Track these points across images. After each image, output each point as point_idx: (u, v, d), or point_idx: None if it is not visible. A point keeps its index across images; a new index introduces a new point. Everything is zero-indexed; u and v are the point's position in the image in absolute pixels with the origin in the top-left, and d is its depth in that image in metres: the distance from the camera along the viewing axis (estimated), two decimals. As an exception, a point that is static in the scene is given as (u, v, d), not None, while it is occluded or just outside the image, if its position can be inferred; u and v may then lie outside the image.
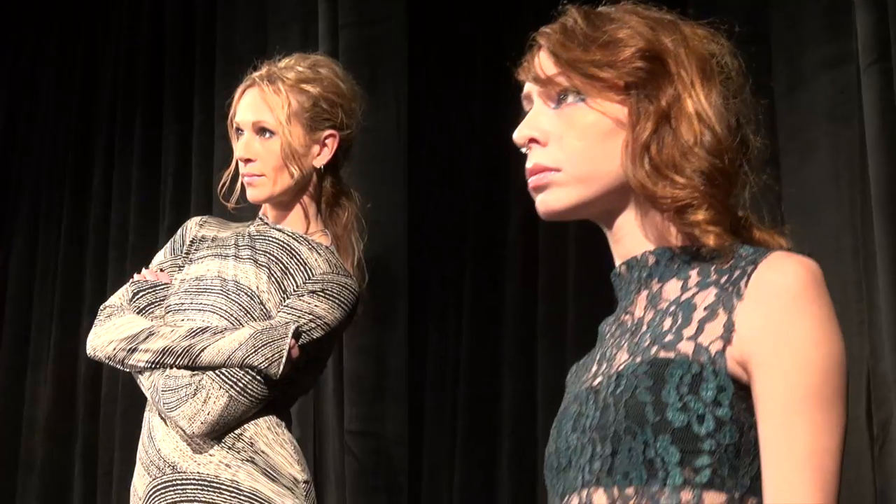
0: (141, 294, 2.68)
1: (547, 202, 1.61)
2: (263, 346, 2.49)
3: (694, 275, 1.59)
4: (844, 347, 1.51)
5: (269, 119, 2.65)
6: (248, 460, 2.52)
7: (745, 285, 1.52)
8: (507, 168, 3.35)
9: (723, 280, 1.54)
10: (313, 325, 2.56)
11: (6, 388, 4.77)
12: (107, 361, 2.63)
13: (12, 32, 5.19)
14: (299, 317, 2.56)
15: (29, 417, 4.70)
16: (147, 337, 2.58)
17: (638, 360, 1.56)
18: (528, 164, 1.60)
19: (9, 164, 5.08)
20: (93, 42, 4.87)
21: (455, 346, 3.56)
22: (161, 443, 2.58)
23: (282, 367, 2.48)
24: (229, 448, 2.53)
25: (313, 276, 2.63)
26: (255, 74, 2.72)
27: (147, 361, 2.56)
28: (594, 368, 1.66)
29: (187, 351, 2.53)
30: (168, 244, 2.84)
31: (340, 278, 2.63)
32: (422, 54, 3.67)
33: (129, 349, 2.58)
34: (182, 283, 2.68)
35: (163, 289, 2.69)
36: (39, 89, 5.00)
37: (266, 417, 2.56)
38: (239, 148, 2.69)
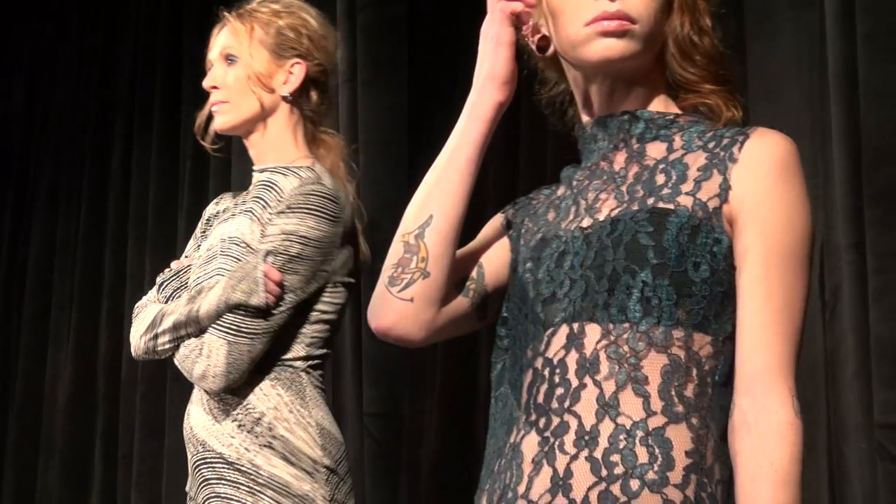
0: (165, 284, 2.69)
1: (619, 48, 1.73)
2: (239, 281, 2.49)
3: (678, 139, 1.78)
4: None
5: (235, 46, 2.67)
6: (266, 445, 2.51)
7: (739, 151, 1.70)
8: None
9: (711, 146, 1.74)
10: (287, 242, 2.51)
11: (27, 368, 4.79)
12: (147, 357, 2.64)
13: (32, 13, 5.20)
14: (271, 241, 2.52)
15: (49, 398, 4.72)
16: (161, 319, 2.59)
17: (635, 207, 1.71)
18: (612, 9, 1.72)
19: (28, 146, 5.10)
20: (112, 23, 4.88)
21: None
22: (194, 420, 2.60)
23: (263, 295, 2.46)
24: (248, 431, 2.52)
25: (283, 197, 2.59)
26: (227, 13, 2.74)
27: (169, 341, 2.57)
28: (574, 210, 1.79)
29: (191, 317, 2.54)
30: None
31: (308, 187, 2.55)
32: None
33: (153, 336, 2.60)
34: (197, 260, 2.69)
35: (185, 272, 2.69)
36: (59, 71, 5.02)
37: (288, 400, 2.53)
38: (206, 79, 2.72)
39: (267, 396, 2.53)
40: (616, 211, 1.73)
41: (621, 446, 1.63)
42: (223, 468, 2.53)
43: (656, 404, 1.64)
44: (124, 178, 4.67)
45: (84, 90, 4.91)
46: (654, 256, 1.67)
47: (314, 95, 2.72)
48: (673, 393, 1.65)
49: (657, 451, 1.62)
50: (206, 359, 2.50)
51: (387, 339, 1.89)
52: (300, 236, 2.51)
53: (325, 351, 2.62)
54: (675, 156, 1.75)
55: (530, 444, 1.70)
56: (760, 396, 1.63)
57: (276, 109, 2.68)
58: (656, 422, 1.64)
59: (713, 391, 1.67)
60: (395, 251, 1.87)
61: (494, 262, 1.91)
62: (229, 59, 2.68)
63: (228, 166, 4.05)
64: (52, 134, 4.98)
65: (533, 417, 1.71)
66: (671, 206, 1.70)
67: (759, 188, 1.68)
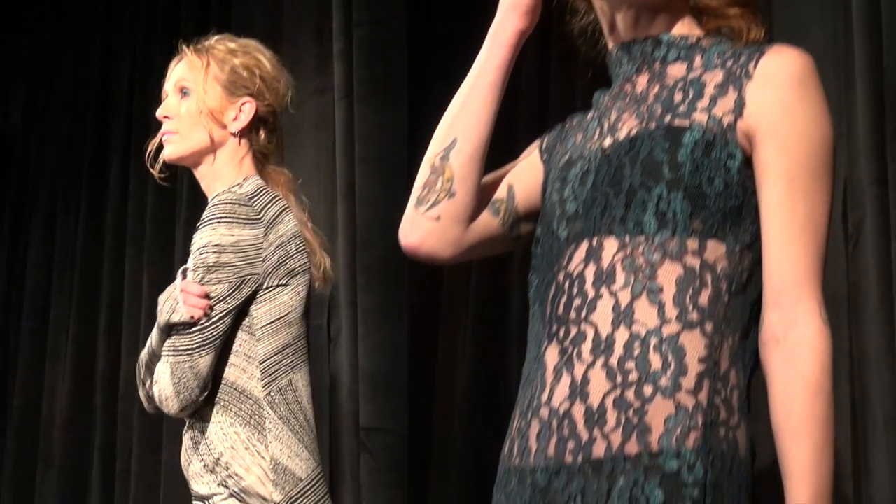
0: (164, 302, 2.72)
1: None
2: (164, 303, 2.57)
3: (698, 59, 1.82)
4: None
5: (190, 80, 2.73)
6: (222, 483, 2.55)
7: (755, 68, 1.74)
8: (546, 89, 3.38)
9: (729, 64, 1.78)
10: (203, 255, 2.54)
11: (25, 382, 4.80)
12: (156, 405, 2.64)
13: (30, 24, 5.21)
14: (192, 259, 2.57)
15: (47, 412, 4.72)
16: (141, 368, 2.68)
17: (652, 125, 1.76)
18: None
19: (27, 158, 5.11)
20: (109, 36, 4.89)
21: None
22: (181, 457, 2.66)
23: (184, 309, 2.52)
24: (210, 472, 2.56)
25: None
26: (185, 46, 2.79)
27: (144, 385, 2.67)
28: (598, 131, 1.85)
29: (149, 351, 2.62)
30: None
31: (217, 199, 2.60)
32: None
33: (142, 386, 2.69)
34: None
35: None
36: (56, 85, 5.03)
37: (245, 437, 2.55)
38: (159, 109, 2.77)
39: (226, 435, 2.56)
40: (635, 130, 1.79)
41: (636, 353, 1.69)
42: None
43: (671, 312, 1.69)
44: (122, 192, 4.68)
45: (81, 104, 4.92)
46: (669, 171, 1.72)
47: (262, 134, 2.77)
48: (687, 301, 1.70)
49: (671, 357, 1.68)
50: (158, 384, 2.55)
51: (417, 258, 1.98)
52: (213, 246, 2.54)
53: (291, 376, 2.61)
54: (694, 75, 1.81)
55: (552, 355, 1.77)
56: (788, 309, 1.67)
57: (224, 143, 2.73)
58: (670, 329, 1.69)
59: (729, 299, 1.71)
60: (422, 174, 1.95)
61: (526, 184, 1.98)
62: (183, 91, 2.73)
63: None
64: (50, 148, 4.99)
65: (554, 329, 1.77)
66: (686, 123, 1.75)
67: (776, 104, 1.72)
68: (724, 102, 1.75)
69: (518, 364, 1.91)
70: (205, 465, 2.58)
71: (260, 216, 2.58)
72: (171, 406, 2.54)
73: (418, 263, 3.31)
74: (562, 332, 1.76)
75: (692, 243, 1.71)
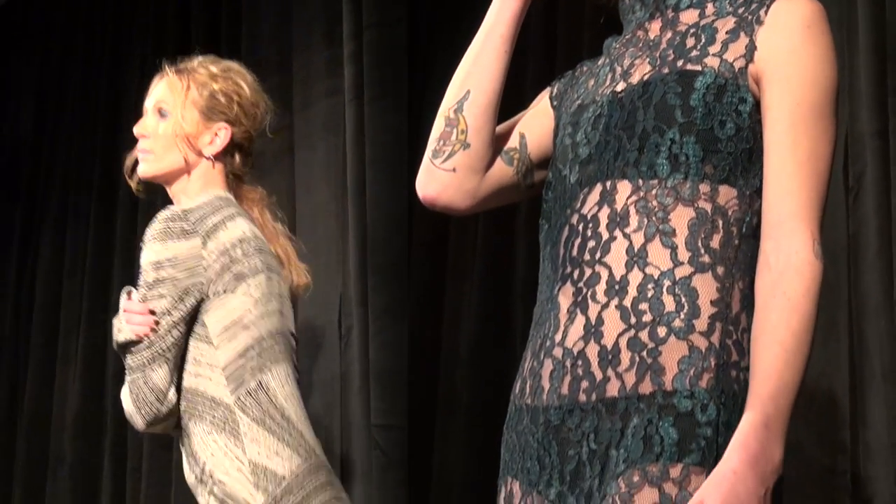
0: None
1: None
2: (113, 325, 2.62)
3: (710, 6, 1.85)
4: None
5: (168, 101, 2.78)
6: (211, 493, 2.59)
7: (766, 14, 1.77)
8: (553, 50, 3.40)
9: (741, 10, 1.80)
10: (144, 274, 2.60)
11: (36, 386, 4.82)
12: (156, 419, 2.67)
13: (40, 34, 5.24)
14: (138, 280, 2.63)
15: (58, 415, 4.74)
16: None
17: (665, 70, 1.79)
18: None
19: (37, 169, 5.13)
20: (119, 44, 4.92)
21: (469, 297, 3.58)
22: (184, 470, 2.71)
23: (127, 328, 2.56)
24: (201, 482, 2.61)
25: None
26: (168, 67, 2.84)
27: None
28: (611, 77, 1.88)
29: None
30: None
31: (155, 218, 2.64)
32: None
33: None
34: None
35: None
36: (67, 93, 5.05)
37: (222, 443, 2.59)
38: (136, 126, 2.82)
39: (206, 444, 2.60)
40: (648, 75, 1.83)
41: (649, 295, 1.72)
42: None
43: (683, 255, 1.73)
44: (132, 200, 4.70)
45: (91, 113, 4.95)
46: (682, 115, 1.76)
47: (237, 158, 2.82)
48: (699, 244, 1.73)
49: (684, 299, 1.71)
50: (123, 403, 2.63)
51: (435, 209, 2.02)
52: (151, 263, 2.59)
53: (260, 378, 2.63)
54: (706, 21, 1.84)
55: (565, 295, 1.80)
56: (783, 239, 1.71)
57: (197, 165, 2.78)
58: (683, 272, 1.72)
59: (740, 243, 1.75)
60: (437, 126, 1.99)
61: (538, 132, 2.02)
62: (161, 112, 2.79)
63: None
64: (61, 156, 5.02)
65: (568, 270, 1.81)
66: (698, 68, 1.78)
67: (784, 47, 1.76)
68: (735, 48, 1.79)
69: (524, 320, 1.93)
70: (196, 477, 2.62)
71: (195, 228, 2.61)
72: (136, 422, 2.61)
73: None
74: (576, 274, 1.79)
75: (704, 187, 1.75)
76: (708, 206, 1.75)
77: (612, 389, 1.72)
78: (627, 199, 1.77)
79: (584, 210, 1.82)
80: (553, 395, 1.78)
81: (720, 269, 1.73)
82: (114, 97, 4.85)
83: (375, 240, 3.59)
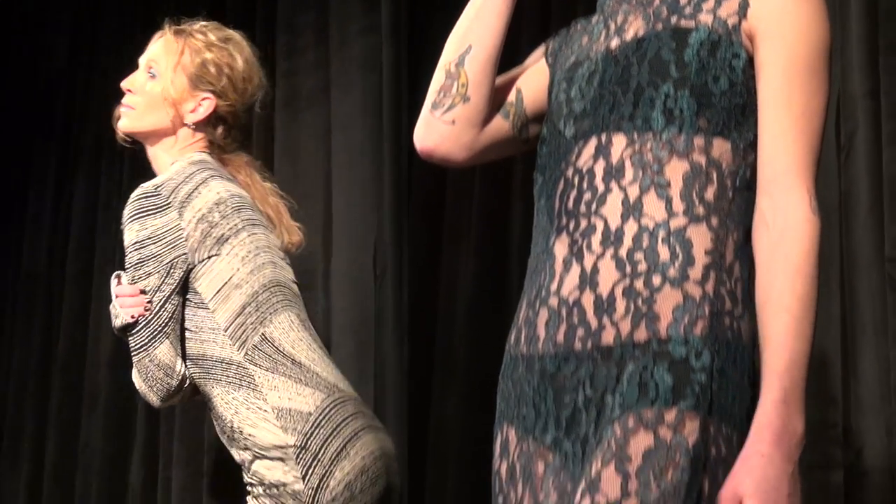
0: None
1: None
2: (110, 313, 2.68)
3: None
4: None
5: (161, 63, 2.81)
6: (245, 448, 2.63)
7: None
8: (548, 20, 3.43)
9: None
10: (128, 255, 2.64)
11: (70, 324, 4.82)
12: (168, 392, 2.70)
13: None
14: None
15: (92, 353, 4.75)
16: None
17: (659, 27, 1.82)
18: None
19: (72, 103, 5.11)
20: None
21: (466, 256, 3.58)
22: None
23: (122, 312, 2.63)
24: (233, 439, 2.65)
25: None
26: (171, 25, 2.88)
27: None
28: (605, 33, 1.91)
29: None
30: None
31: (134, 195, 2.68)
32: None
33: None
34: None
35: None
36: (101, 25, 5.02)
37: (243, 398, 2.62)
38: (125, 79, 2.85)
39: (228, 404, 2.63)
40: (642, 31, 1.86)
41: (644, 245, 1.76)
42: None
43: (678, 206, 1.76)
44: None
45: (126, 47, 4.91)
46: (676, 70, 1.79)
47: (219, 130, 2.84)
48: (694, 196, 1.76)
49: (678, 249, 1.75)
50: (136, 384, 2.67)
51: (432, 160, 2.06)
52: (133, 244, 2.62)
53: (262, 331, 2.66)
54: None
55: (561, 246, 1.83)
56: (779, 196, 1.74)
57: (177, 130, 2.81)
58: (678, 223, 1.76)
59: (734, 195, 1.78)
60: (437, 79, 2.03)
61: (533, 87, 2.05)
62: (151, 71, 2.82)
63: (272, 124, 4.07)
64: (96, 92, 4.99)
65: (564, 222, 1.84)
66: (692, 24, 1.81)
67: (777, 5, 1.78)
68: (728, 4, 1.81)
69: (520, 281, 1.96)
70: (227, 437, 2.67)
71: (169, 201, 2.63)
72: (151, 400, 2.66)
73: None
74: (571, 225, 1.82)
75: (698, 140, 1.78)
76: (702, 159, 1.77)
77: (608, 337, 1.75)
78: (622, 152, 1.80)
79: (580, 163, 1.84)
80: (549, 343, 1.81)
81: (714, 220, 1.76)
82: (148, 31, 4.80)
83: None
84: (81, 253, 4.89)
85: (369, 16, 3.86)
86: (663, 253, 1.75)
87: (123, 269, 2.68)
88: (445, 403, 3.50)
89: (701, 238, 1.75)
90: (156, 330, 2.61)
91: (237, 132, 2.89)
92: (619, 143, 1.81)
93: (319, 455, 2.58)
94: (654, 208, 1.77)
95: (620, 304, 1.75)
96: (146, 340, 2.61)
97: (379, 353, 3.65)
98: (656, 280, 1.74)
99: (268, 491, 2.58)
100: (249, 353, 2.63)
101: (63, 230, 4.99)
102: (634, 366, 1.72)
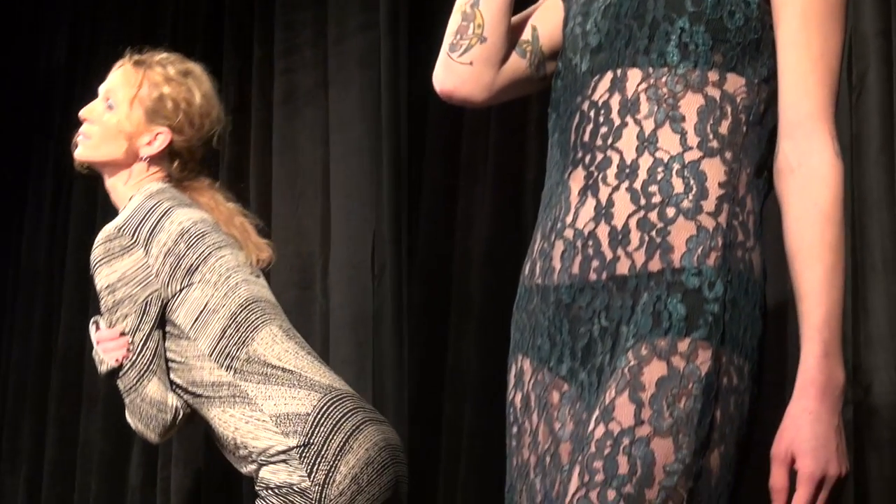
0: None
1: None
2: (95, 360, 2.72)
3: None
4: None
5: (118, 94, 2.83)
6: (251, 461, 2.66)
7: None
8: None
9: None
10: (102, 300, 2.69)
11: (69, 323, 4.81)
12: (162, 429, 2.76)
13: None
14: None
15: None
16: None
17: None
18: None
19: (71, 100, 5.09)
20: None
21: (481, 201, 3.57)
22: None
23: (106, 359, 2.66)
24: (241, 458, 2.68)
25: None
26: (132, 55, 2.92)
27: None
28: None
29: None
30: None
31: (97, 239, 2.70)
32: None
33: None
34: None
35: None
36: (100, 21, 5.01)
37: (240, 414, 2.65)
38: (84, 108, 2.87)
39: (227, 423, 2.66)
40: None
41: (659, 178, 1.78)
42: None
43: (692, 140, 1.78)
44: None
45: (126, 43, 4.89)
46: (692, 5, 1.80)
47: (175, 164, 2.86)
48: (708, 130, 1.79)
49: (692, 181, 1.77)
50: (132, 425, 2.72)
51: (451, 102, 2.08)
52: (105, 288, 2.66)
53: (246, 350, 2.68)
54: None
55: (576, 179, 1.85)
56: (802, 140, 1.76)
57: (132, 163, 2.83)
58: (692, 156, 1.78)
59: (747, 129, 1.80)
60: (453, 21, 2.04)
61: (548, 23, 2.06)
62: (109, 102, 2.84)
63: (270, 121, 4.06)
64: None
65: (579, 155, 1.85)
66: None
67: None
68: None
69: (535, 220, 1.98)
70: (233, 455, 2.70)
71: (134, 240, 2.66)
72: (150, 438, 2.72)
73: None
74: (587, 158, 1.84)
75: (713, 75, 1.80)
76: (717, 94, 1.80)
77: (623, 268, 1.78)
78: (638, 86, 1.82)
79: (595, 97, 1.86)
80: (564, 274, 1.84)
81: (728, 154, 1.79)
82: (148, 30, 4.80)
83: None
84: (80, 251, 4.88)
85: (366, 13, 3.85)
86: (677, 185, 1.77)
87: (100, 313, 2.71)
88: (462, 343, 3.50)
89: (715, 171, 1.78)
90: (142, 369, 2.64)
91: (194, 164, 2.91)
92: (634, 77, 1.83)
93: (323, 452, 2.59)
94: (668, 142, 1.79)
95: (635, 236, 1.77)
96: (135, 381, 2.65)
97: (378, 351, 3.63)
98: (670, 212, 1.76)
99: (276, 491, 2.59)
100: (238, 371, 2.65)
101: (62, 229, 4.97)
102: (648, 296, 1.75)
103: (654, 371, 1.70)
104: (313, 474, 2.57)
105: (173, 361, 2.70)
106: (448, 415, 3.48)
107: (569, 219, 1.84)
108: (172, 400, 2.67)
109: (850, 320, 2.69)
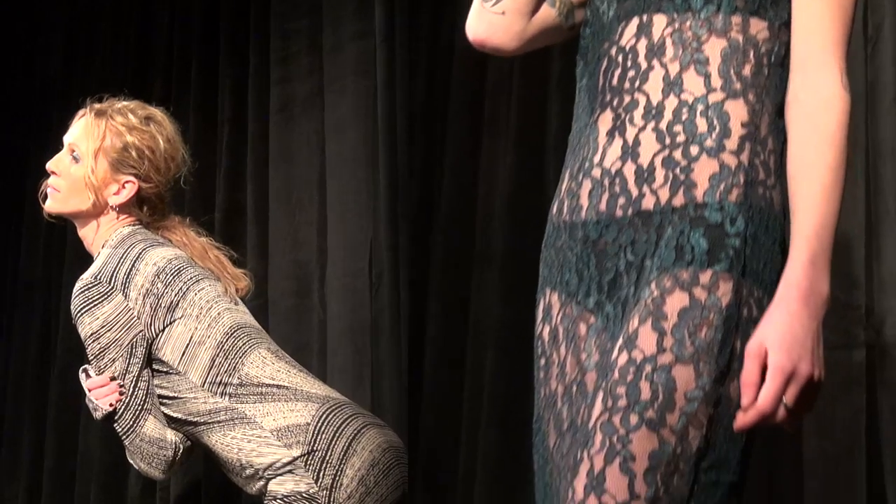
0: None
1: None
2: (89, 408, 2.74)
3: None
4: None
5: (82, 146, 2.84)
6: (259, 478, 2.68)
7: None
8: None
9: None
10: (88, 350, 2.71)
11: (68, 329, 4.81)
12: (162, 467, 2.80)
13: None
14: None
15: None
16: None
17: None
18: None
19: (67, 105, 5.09)
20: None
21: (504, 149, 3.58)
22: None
23: (99, 405, 2.69)
24: (245, 476, 2.70)
25: None
26: (92, 105, 2.94)
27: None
28: None
29: None
30: None
31: (75, 290, 2.72)
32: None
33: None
34: None
35: None
36: (96, 29, 5.01)
37: (241, 435, 2.68)
38: (51, 161, 2.87)
39: (228, 446, 2.70)
40: None
41: (684, 118, 1.85)
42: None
43: (716, 82, 1.85)
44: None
45: (122, 52, 4.91)
46: None
47: (144, 209, 2.89)
48: (732, 72, 1.85)
49: (716, 121, 1.84)
50: (135, 466, 2.75)
51: (483, 50, 2.16)
52: (90, 336, 2.69)
53: (238, 375, 2.72)
54: None
55: (604, 121, 1.93)
56: (812, 72, 1.82)
57: (102, 212, 2.86)
58: (716, 97, 1.85)
59: (769, 71, 1.87)
60: None
61: None
62: (74, 154, 2.86)
63: (266, 130, 4.06)
64: (91, 97, 4.97)
65: (607, 98, 1.93)
66: None
67: None
68: None
69: (557, 172, 2.06)
70: (239, 476, 2.72)
71: (111, 286, 2.69)
72: (155, 476, 2.76)
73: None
74: (615, 101, 1.92)
75: (736, 19, 1.86)
76: (740, 37, 1.86)
77: (648, 204, 1.85)
78: (663, 30, 1.89)
79: (623, 42, 1.93)
80: (592, 211, 1.91)
81: (751, 95, 1.85)
82: (143, 34, 4.81)
83: (407, 184, 3.56)
84: (77, 261, 4.88)
85: (362, 21, 3.85)
86: (701, 125, 1.83)
87: (88, 362, 2.74)
88: (483, 291, 3.53)
89: (738, 111, 1.84)
90: (137, 410, 2.68)
91: (162, 206, 2.95)
92: (659, 22, 1.89)
93: (327, 457, 2.62)
94: (693, 84, 1.85)
95: (660, 173, 1.84)
96: (131, 422, 2.68)
97: (376, 359, 3.64)
98: (694, 150, 1.83)
99: (284, 501, 2.63)
100: (233, 396, 2.69)
101: (59, 237, 4.97)
102: (672, 231, 1.81)
103: (677, 301, 1.77)
104: (320, 479, 2.60)
105: (166, 398, 2.73)
106: (471, 359, 3.51)
107: (596, 158, 1.91)
108: (171, 436, 2.72)
109: (864, 265, 2.76)
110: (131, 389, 2.68)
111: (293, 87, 4.08)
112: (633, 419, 1.72)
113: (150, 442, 2.69)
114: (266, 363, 2.74)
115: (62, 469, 4.74)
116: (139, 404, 2.68)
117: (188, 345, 2.71)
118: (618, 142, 1.89)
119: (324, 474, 2.60)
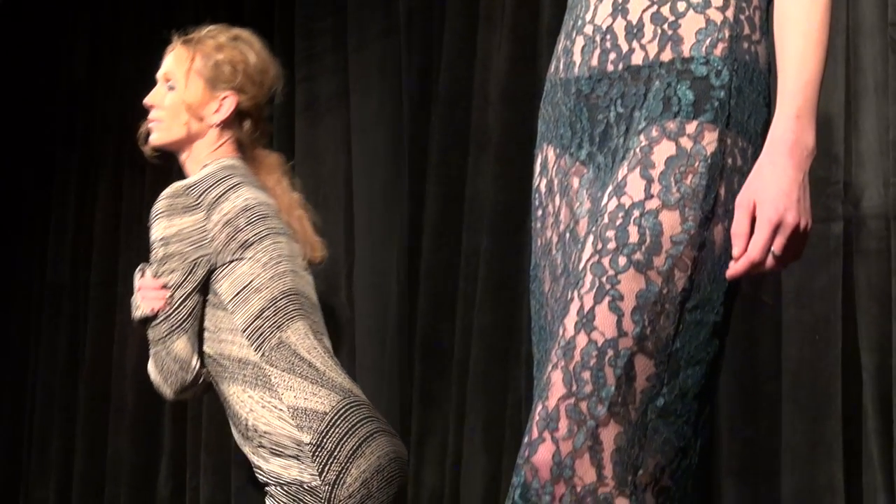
0: None
1: None
2: (132, 303, 2.79)
3: None
4: None
5: (176, 74, 2.91)
6: (260, 446, 2.70)
7: None
8: None
9: None
10: (153, 251, 2.73)
11: (96, 333, 4.83)
12: (180, 387, 2.79)
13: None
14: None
15: (118, 362, 4.76)
16: None
17: None
18: None
19: (93, 113, 5.11)
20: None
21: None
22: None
23: (144, 305, 2.72)
24: (248, 439, 2.72)
25: None
26: (178, 37, 2.99)
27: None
28: None
29: None
30: None
31: (165, 192, 2.75)
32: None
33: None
34: None
35: None
36: (122, 36, 5.04)
37: (258, 397, 2.70)
38: (147, 96, 2.94)
39: (243, 402, 2.72)
40: None
41: None
42: (253, 472, 2.76)
43: None
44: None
45: (147, 57, 4.91)
46: None
47: (246, 124, 2.94)
48: None
49: None
50: (151, 375, 2.77)
51: None
52: (159, 240, 2.73)
53: (279, 335, 2.74)
54: None
55: None
56: None
57: (204, 134, 2.90)
58: None
59: None
60: None
61: None
62: (169, 84, 2.92)
63: (291, 126, 4.05)
64: (116, 102, 4.99)
65: None
66: None
67: None
68: None
69: (549, 58, 2.11)
70: (241, 435, 2.74)
71: (198, 202, 2.72)
72: (164, 392, 2.76)
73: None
74: None
75: None
76: None
77: (637, 58, 1.92)
78: None
79: None
80: (584, 67, 1.98)
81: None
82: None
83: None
84: (105, 263, 4.90)
85: (387, 19, 3.85)
86: None
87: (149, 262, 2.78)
88: (479, 177, 3.58)
89: None
90: (175, 324, 2.70)
91: (263, 124, 2.99)
92: None
93: (335, 453, 2.65)
94: None
95: (648, 29, 1.91)
96: (164, 333, 2.70)
97: (401, 357, 3.63)
98: (681, 6, 1.89)
99: (285, 489, 2.64)
100: (266, 354, 2.71)
101: (86, 241, 4.99)
102: (660, 83, 1.88)
103: (664, 150, 1.83)
104: (324, 474, 2.62)
105: (206, 330, 2.76)
106: (466, 240, 3.57)
107: (588, 15, 1.98)
108: (196, 362, 2.72)
109: (843, 140, 2.83)
110: (177, 304, 2.70)
111: (318, 86, 4.09)
112: (622, 261, 1.78)
113: (175, 359, 2.70)
114: (307, 337, 2.76)
115: (92, 472, 4.75)
116: (179, 320, 2.70)
117: (245, 287, 2.73)
118: (608, 0, 1.96)
119: (329, 469, 2.62)
